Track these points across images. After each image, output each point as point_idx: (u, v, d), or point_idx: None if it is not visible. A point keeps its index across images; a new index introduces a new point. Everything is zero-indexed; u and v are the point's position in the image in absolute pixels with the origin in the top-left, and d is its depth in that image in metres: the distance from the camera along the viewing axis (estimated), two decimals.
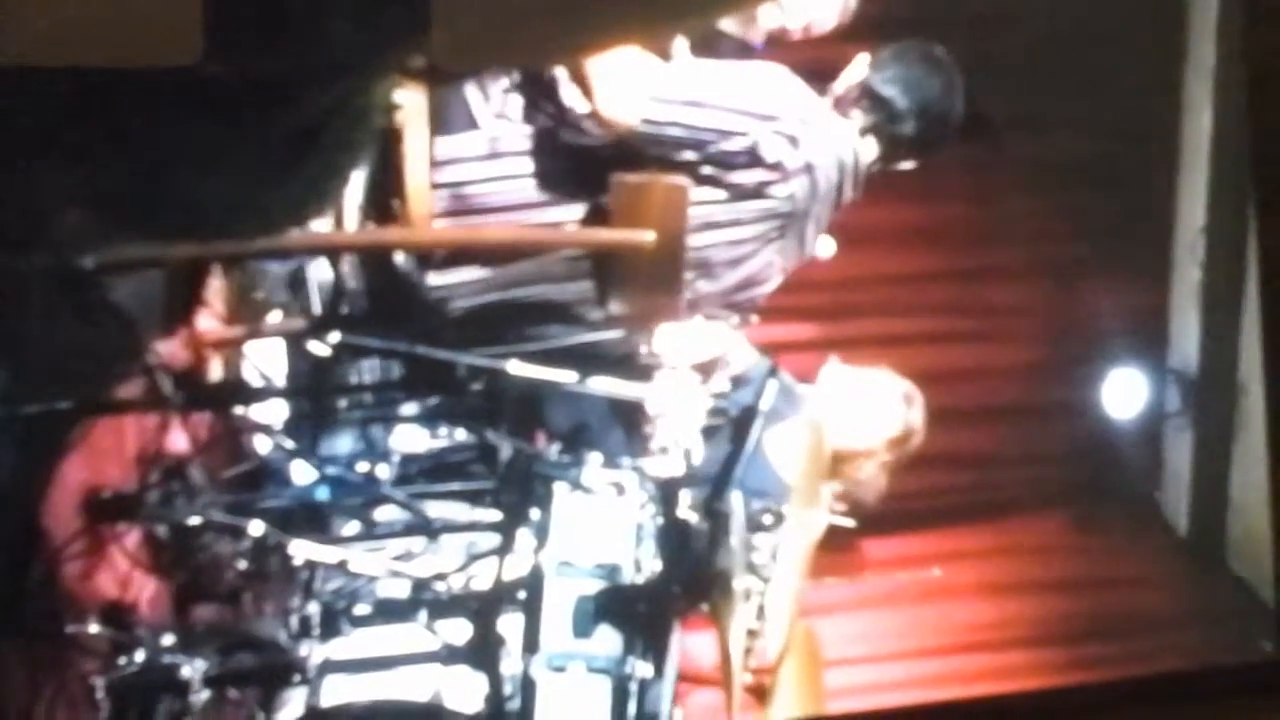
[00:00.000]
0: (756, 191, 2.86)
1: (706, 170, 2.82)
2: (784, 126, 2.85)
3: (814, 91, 2.99)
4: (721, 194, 2.86)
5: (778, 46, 3.22)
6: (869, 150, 3.01)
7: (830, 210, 2.98)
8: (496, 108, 2.83)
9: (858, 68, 3.01)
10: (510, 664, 2.54)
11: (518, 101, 2.83)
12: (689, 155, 2.81)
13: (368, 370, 3.12)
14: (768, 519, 2.91)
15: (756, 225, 2.90)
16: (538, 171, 2.83)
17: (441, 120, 2.80)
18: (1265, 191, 3.28)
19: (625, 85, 2.73)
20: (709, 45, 3.06)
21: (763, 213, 2.89)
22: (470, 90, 2.82)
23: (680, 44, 2.97)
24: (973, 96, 3.15)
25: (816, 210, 2.94)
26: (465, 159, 2.82)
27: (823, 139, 2.89)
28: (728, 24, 3.13)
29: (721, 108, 2.81)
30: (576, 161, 2.81)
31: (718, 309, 3.09)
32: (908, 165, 3.08)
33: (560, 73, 2.77)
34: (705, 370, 3.12)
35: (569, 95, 2.78)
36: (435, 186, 2.81)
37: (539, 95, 2.81)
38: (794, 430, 3.28)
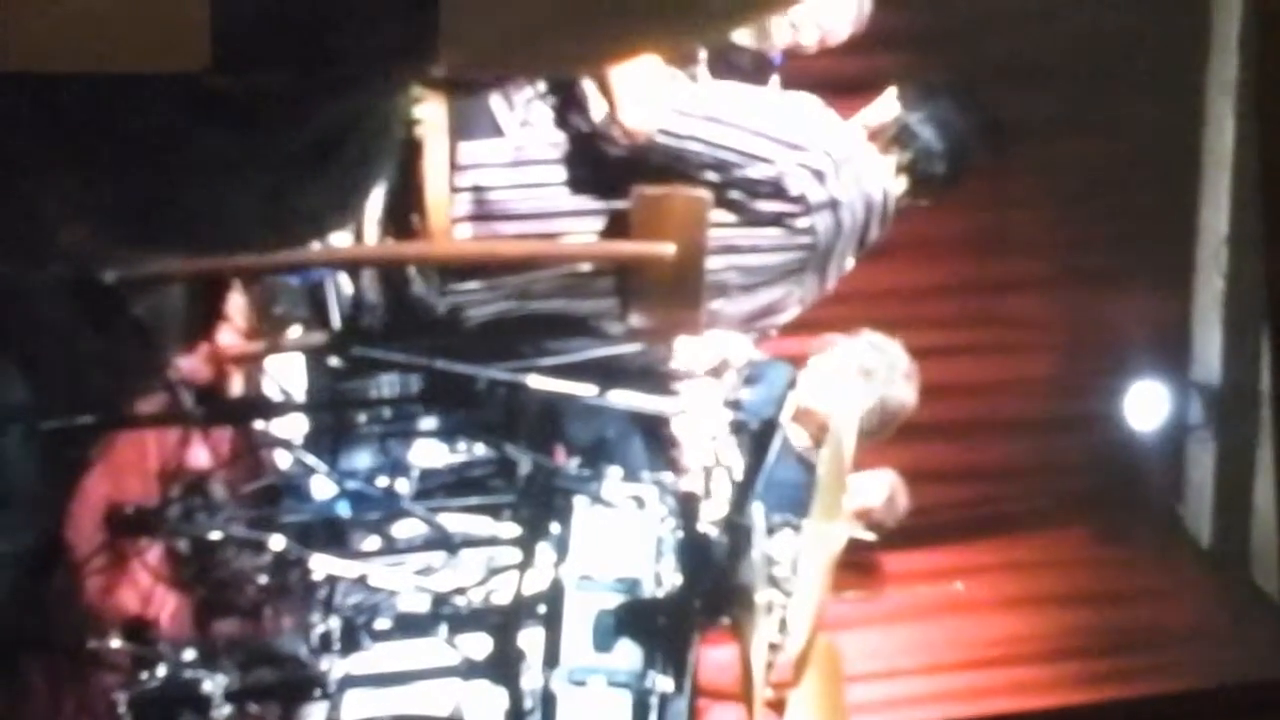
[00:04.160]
0: (777, 220, 2.84)
1: (729, 194, 2.81)
2: (810, 159, 2.82)
3: (844, 120, 2.97)
4: (743, 219, 2.84)
5: (795, 59, 3.21)
6: (898, 187, 3.00)
7: (855, 247, 2.96)
8: (521, 116, 2.83)
9: (890, 103, 2.99)
10: (530, 678, 2.53)
11: (543, 110, 2.83)
12: (711, 176, 2.80)
13: (387, 385, 3.12)
14: (788, 531, 2.91)
15: (776, 255, 2.88)
16: (561, 181, 2.82)
17: (466, 126, 2.80)
18: (1274, 214, 3.27)
19: (647, 95, 2.73)
20: (726, 59, 3.05)
21: (783, 243, 2.87)
22: (495, 98, 2.82)
23: (702, 69, 2.96)
24: (987, 105, 3.14)
25: (840, 247, 2.92)
26: (488, 165, 2.81)
27: (851, 177, 2.87)
28: (743, 37, 3.12)
29: (745, 129, 2.80)
30: (600, 172, 2.81)
31: (734, 331, 3.08)
32: (925, 203, 3.07)
33: (589, 84, 2.77)
34: (715, 373, 3.12)
35: (596, 105, 2.78)
36: (456, 190, 2.81)
37: (569, 106, 2.81)
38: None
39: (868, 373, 3.34)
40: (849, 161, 2.86)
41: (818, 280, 2.96)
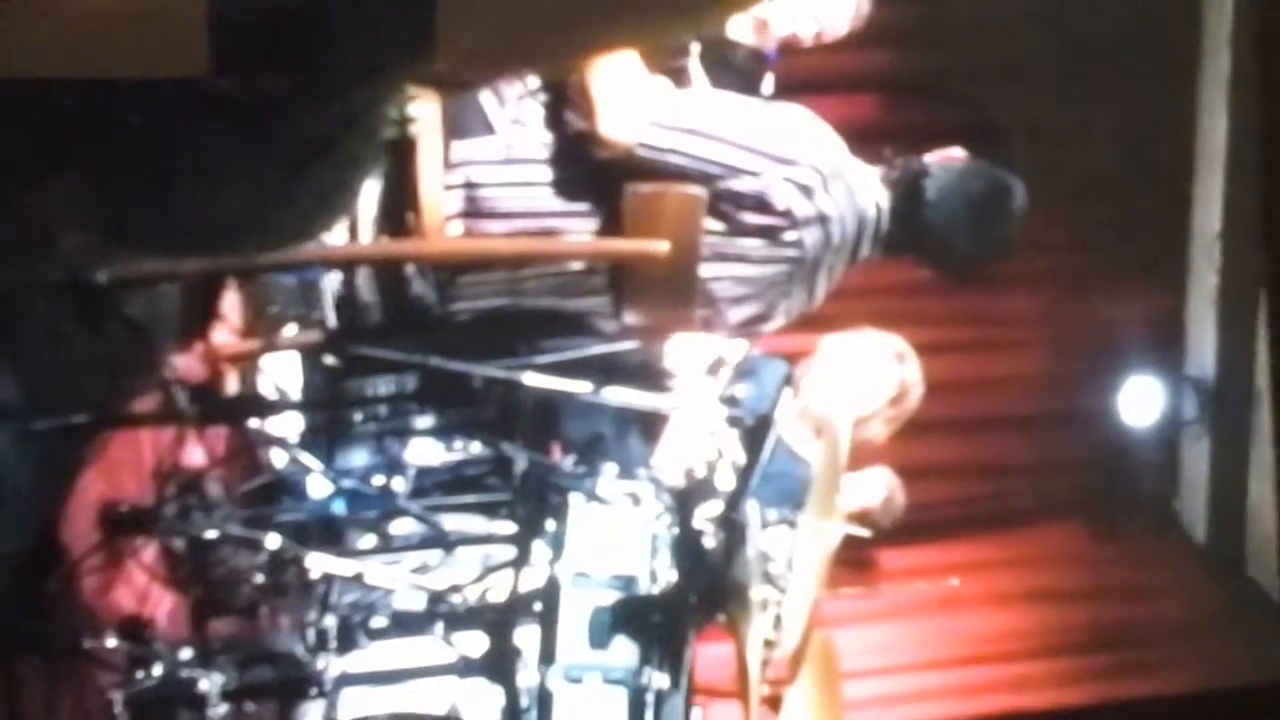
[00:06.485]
0: (763, 232, 2.80)
1: (716, 204, 2.77)
2: (798, 174, 2.76)
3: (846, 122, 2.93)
4: (730, 229, 2.81)
5: (790, 55, 3.21)
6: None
7: (845, 263, 2.89)
8: (512, 114, 2.82)
9: (919, 162, 2.89)
10: (527, 676, 2.54)
11: (534, 108, 2.82)
12: (695, 188, 2.76)
13: (383, 383, 3.12)
14: (784, 528, 2.91)
15: (763, 266, 2.83)
16: (552, 179, 2.81)
17: (457, 124, 2.78)
18: (1273, 212, 3.27)
19: (626, 107, 2.69)
20: (720, 55, 3.05)
21: (769, 255, 2.82)
22: (486, 96, 2.80)
23: (698, 72, 2.95)
24: (986, 106, 3.13)
25: (829, 260, 2.86)
26: (479, 162, 2.80)
27: (842, 191, 2.81)
28: (741, 32, 3.11)
29: (729, 142, 2.74)
30: (591, 171, 2.79)
31: (721, 338, 3.07)
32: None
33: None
34: (710, 369, 3.12)
35: (577, 115, 2.76)
36: (449, 188, 2.80)
37: (560, 104, 2.79)
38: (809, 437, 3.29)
39: (901, 356, 3.38)
40: (839, 175, 2.81)
41: (805, 293, 2.91)
